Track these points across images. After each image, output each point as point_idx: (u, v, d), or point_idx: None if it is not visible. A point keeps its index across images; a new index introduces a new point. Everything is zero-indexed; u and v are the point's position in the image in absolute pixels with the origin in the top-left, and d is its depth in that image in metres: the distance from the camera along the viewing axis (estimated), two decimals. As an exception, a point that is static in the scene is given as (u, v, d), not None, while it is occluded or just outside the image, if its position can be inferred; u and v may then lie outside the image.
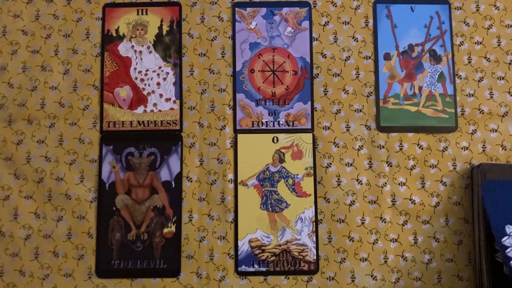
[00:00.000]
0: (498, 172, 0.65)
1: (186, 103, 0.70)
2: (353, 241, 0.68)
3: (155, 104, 0.70)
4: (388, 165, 0.69)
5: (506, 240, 0.62)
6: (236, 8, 0.72)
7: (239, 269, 0.67)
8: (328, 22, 0.72)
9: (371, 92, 0.71)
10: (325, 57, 0.71)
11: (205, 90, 0.71)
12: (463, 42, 0.72)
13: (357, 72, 0.71)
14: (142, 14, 0.72)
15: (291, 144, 0.69)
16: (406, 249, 0.68)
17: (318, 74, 0.71)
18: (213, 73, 0.71)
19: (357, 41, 0.72)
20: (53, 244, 0.67)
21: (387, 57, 0.71)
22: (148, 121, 0.69)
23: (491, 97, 0.71)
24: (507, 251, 0.62)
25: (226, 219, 0.68)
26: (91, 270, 0.67)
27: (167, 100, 0.70)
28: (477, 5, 0.73)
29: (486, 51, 0.72)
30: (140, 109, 0.70)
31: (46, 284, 0.66)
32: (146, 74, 0.71)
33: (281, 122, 0.70)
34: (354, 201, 0.68)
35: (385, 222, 0.68)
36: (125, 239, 0.67)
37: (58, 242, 0.67)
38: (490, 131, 0.70)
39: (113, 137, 0.69)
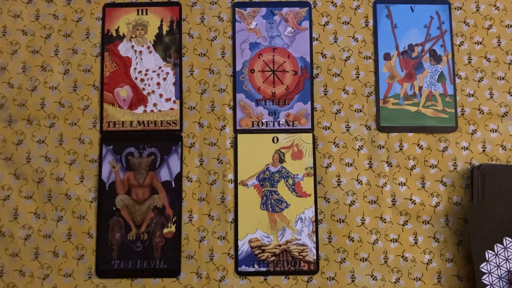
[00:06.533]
0: (498, 172, 0.65)
1: (186, 103, 0.70)
2: (353, 241, 0.68)
3: (155, 104, 0.70)
4: (388, 165, 0.69)
5: (484, 267, 0.62)
6: (236, 8, 0.72)
7: (239, 269, 0.67)
8: (328, 22, 0.72)
9: (371, 92, 0.71)
10: (325, 57, 0.71)
11: (205, 90, 0.71)
12: (463, 42, 0.72)
13: (357, 72, 0.71)
14: (142, 14, 0.72)
15: (291, 144, 0.69)
16: (406, 249, 0.68)
17: (318, 74, 0.71)
18: (213, 73, 0.71)
19: (357, 41, 0.72)
20: (53, 244, 0.67)
21: (387, 57, 0.71)
22: (148, 121, 0.69)
23: (491, 97, 0.71)
24: (483, 277, 0.62)
25: (226, 219, 0.68)
26: (91, 270, 0.67)
27: (167, 100, 0.70)
28: (477, 5, 0.73)
29: (486, 51, 0.72)
30: (140, 109, 0.70)
31: (46, 284, 0.66)
32: (146, 74, 0.71)
33: (281, 122, 0.70)
34: (354, 201, 0.68)
35: (385, 222, 0.68)
36: (125, 239, 0.67)
37: (58, 242, 0.67)
38: (490, 131, 0.70)
39: (113, 137, 0.69)
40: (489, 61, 0.72)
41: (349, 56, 0.72)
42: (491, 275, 0.63)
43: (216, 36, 0.72)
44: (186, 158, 0.69)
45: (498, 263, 0.63)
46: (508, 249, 0.63)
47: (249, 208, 0.68)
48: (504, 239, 0.63)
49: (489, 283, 0.62)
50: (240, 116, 0.70)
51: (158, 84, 0.70)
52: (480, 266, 0.63)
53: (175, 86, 0.70)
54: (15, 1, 0.72)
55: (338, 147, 0.70)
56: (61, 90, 0.70)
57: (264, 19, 0.72)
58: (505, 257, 0.63)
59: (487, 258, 0.63)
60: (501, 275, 0.63)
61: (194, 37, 0.72)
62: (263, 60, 0.71)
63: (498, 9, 0.73)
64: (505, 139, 0.70)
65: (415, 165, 0.69)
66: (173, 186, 0.68)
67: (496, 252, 0.63)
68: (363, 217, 0.68)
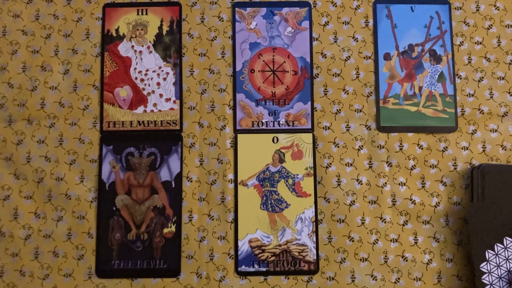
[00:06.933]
0: (498, 172, 0.65)
1: (186, 103, 0.70)
2: (353, 241, 0.68)
3: (155, 104, 0.70)
4: (388, 165, 0.69)
5: (484, 266, 0.62)
6: (236, 8, 0.72)
7: (239, 269, 0.67)
8: (328, 22, 0.72)
9: (371, 92, 0.71)
10: (325, 57, 0.71)
11: (205, 90, 0.71)
12: (463, 42, 0.72)
13: (357, 72, 0.71)
14: (142, 14, 0.72)
15: (291, 144, 0.69)
16: (406, 249, 0.68)
17: (318, 74, 0.71)
18: (213, 73, 0.71)
19: (357, 41, 0.72)
20: (53, 244, 0.67)
21: (387, 57, 0.71)
22: (148, 121, 0.69)
23: (491, 97, 0.71)
24: (483, 277, 0.62)
25: (226, 219, 0.68)
26: (91, 270, 0.67)
27: (167, 100, 0.70)
28: (477, 5, 0.73)
29: (486, 51, 0.72)
30: (140, 109, 0.70)
31: (46, 284, 0.66)
32: (146, 74, 0.71)
33: (281, 122, 0.70)
34: (354, 201, 0.68)
35: (385, 222, 0.68)
36: (125, 239, 0.67)
37: (58, 242, 0.67)
38: (490, 131, 0.70)
39: (113, 137, 0.69)
40: (489, 61, 0.72)
41: (349, 56, 0.72)
42: (491, 274, 0.63)
43: (216, 36, 0.72)
44: (186, 158, 0.69)
45: (498, 263, 0.63)
46: (508, 249, 0.63)
47: (249, 208, 0.68)
48: (504, 239, 0.63)
49: (489, 283, 0.62)
50: (240, 116, 0.70)
51: (158, 84, 0.70)
52: (480, 266, 0.63)
53: (175, 86, 0.70)
54: (15, 1, 0.72)
55: (338, 147, 0.70)
56: (61, 90, 0.70)
57: (264, 19, 0.72)
58: (505, 257, 0.63)
59: (487, 258, 0.63)
60: (501, 275, 0.63)
61: (194, 37, 0.72)
62: (263, 60, 0.71)
63: (498, 9, 0.73)
64: (505, 139, 0.70)
65: (415, 165, 0.69)
66: (173, 186, 0.68)
67: (496, 252, 0.63)
68: (363, 217, 0.68)
